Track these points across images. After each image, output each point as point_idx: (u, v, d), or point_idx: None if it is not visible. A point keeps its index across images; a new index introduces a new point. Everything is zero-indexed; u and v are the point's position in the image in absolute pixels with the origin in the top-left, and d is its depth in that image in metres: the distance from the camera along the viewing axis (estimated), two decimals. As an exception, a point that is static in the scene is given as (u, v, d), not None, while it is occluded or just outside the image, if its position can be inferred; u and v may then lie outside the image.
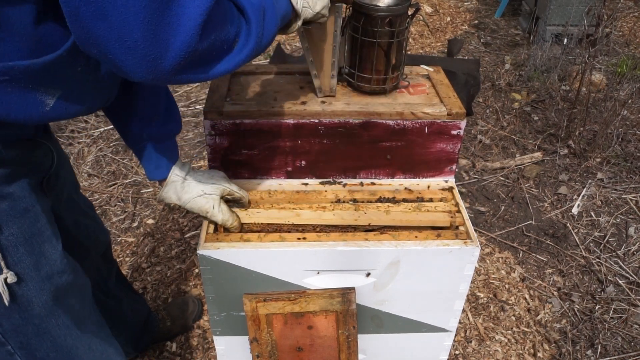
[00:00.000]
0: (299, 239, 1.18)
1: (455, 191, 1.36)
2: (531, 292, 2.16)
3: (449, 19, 4.65)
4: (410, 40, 4.27)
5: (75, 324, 1.08)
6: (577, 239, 2.41)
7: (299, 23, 1.05)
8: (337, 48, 1.23)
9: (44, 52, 0.80)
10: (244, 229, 1.23)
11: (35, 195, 0.98)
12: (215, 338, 1.34)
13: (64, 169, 1.20)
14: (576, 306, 2.10)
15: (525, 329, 2.01)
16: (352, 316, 1.26)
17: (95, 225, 1.40)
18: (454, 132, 1.31)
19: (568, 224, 2.49)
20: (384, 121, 1.27)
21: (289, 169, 1.35)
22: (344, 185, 1.37)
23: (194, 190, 1.16)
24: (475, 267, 1.97)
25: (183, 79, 0.79)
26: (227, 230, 1.21)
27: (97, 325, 1.17)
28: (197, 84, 3.50)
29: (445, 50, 4.04)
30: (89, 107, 0.96)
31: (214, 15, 0.76)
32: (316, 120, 1.27)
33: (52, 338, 1.04)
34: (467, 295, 2.09)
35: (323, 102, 1.31)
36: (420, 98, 1.35)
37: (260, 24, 0.89)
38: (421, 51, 4.15)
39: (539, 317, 2.06)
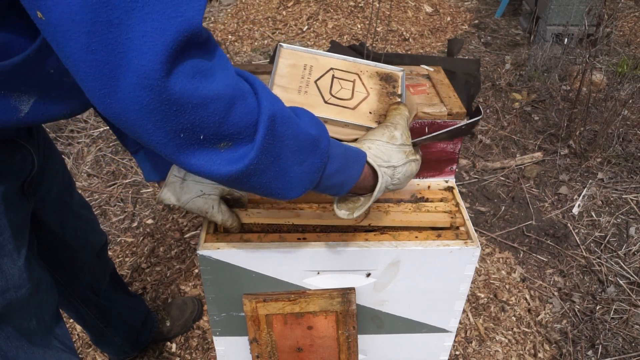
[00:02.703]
0: (299, 239, 1.18)
1: (456, 191, 1.35)
2: (532, 292, 2.16)
3: (449, 18, 4.64)
4: (410, 40, 4.27)
5: (27, 338, 1.07)
6: (577, 239, 2.41)
7: (372, 200, 0.95)
8: None
9: (10, 55, 0.77)
10: (244, 229, 1.22)
11: (6, 205, 0.96)
12: (215, 338, 1.33)
13: (52, 170, 1.19)
14: (577, 306, 2.10)
15: (526, 330, 2.01)
16: (352, 316, 1.25)
17: (87, 227, 1.39)
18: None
19: (568, 224, 2.49)
20: (384, 121, 1.27)
21: (289, 169, 1.35)
22: (344, 185, 1.36)
23: (192, 190, 1.16)
24: (476, 268, 1.97)
25: (146, 132, 0.64)
26: (227, 230, 1.21)
27: (57, 338, 1.16)
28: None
29: (446, 50, 4.04)
30: (71, 109, 0.92)
31: (190, 58, 0.63)
32: (316, 120, 1.27)
33: (2, 352, 1.03)
34: (468, 296, 2.09)
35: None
36: (421, 98, 1.34)
37: (274, 143, 0.73)
38: (421, 51, 4.15)
39: (539, 317, 2.06)
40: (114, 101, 0.61)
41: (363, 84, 1.09)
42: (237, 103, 0.68)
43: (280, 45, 1.08)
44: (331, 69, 1.08)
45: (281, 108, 0.74)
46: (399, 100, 1.09)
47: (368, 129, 1.03)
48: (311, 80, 1.05)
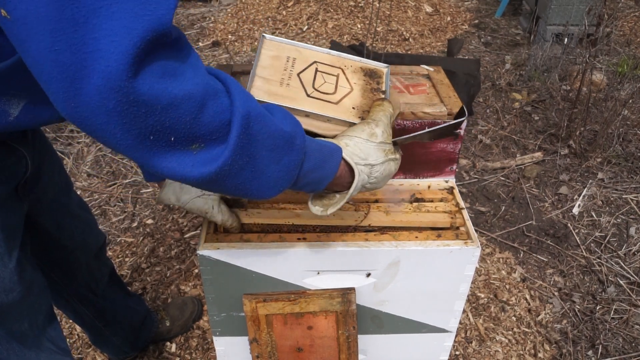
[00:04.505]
0: (299, 239, 1.18)
1: (456, 191, 1.35)
2: (532, 292, 2.16)
3: (449, 18, 4.64)
4: (410, 40, 4.27)
5: (18, 340, 1.06)
6: (577, 239, 2.41)
7: (349, 194, 0.94)
8: None
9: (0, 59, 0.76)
10: (244, 229, 1.22)
11: None
12: (215, 338, 1.33)
13: (48, 171, 1.19)
14: (577, 306, 2.10)
15: (526, 330, 2.01)
16: (352, 316, 1.25)
17: (85, 227, 1.39)
18: (455, 132, 1.30)
19: (569, 224, 2.49)
20: (384, 121, 1.27)
21: (289, 168, 1.35)
22: (344, 185, 1.36)
23: (192, 190, 1.16)
24: (476, 268, 1.97)
25: (114, 136, 0.61)
26: (227, 230, 1.21)
27: (50, 340, 1.16)
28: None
29: (446, 50, 4.04)
30: None
31: (162, 63, 0.61)
32: (316, 120, 1.27)
33: None
34: (468, 296, 2.09)
35: (323, 101, 1.31)
36: (421, 98, 1.34)
37: (248, 139, 0.70)
38: (421, 51, 4.15)
39: (539, 317, 2.06)
40: (79, 104, 0.58)
41: (347, 78, 1.07)
42: (209, 102, 0.65)
43: (264, 36, 1.05)
44: (315, 62, 1.06)
45: (255, 106, 0.72)
46: (383, 96, 1.08)
47: (351, 124, 1.01)
48: (294, 72, 1.02)
